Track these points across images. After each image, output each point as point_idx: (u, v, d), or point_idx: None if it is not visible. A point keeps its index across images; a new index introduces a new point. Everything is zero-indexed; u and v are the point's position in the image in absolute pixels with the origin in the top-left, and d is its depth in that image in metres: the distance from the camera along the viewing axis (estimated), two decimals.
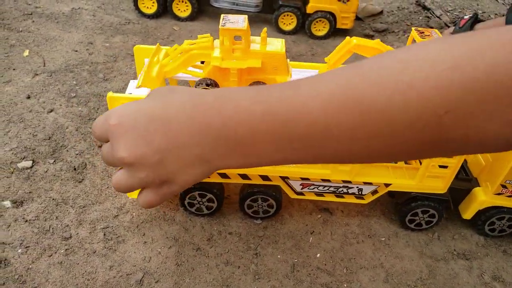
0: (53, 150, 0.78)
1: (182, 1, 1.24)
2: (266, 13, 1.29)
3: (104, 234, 0.65)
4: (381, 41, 1.31)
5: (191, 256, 0.64)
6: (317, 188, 0.66)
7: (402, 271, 0.66)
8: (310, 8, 1.24)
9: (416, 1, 1.47)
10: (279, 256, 0.66)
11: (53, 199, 0.69)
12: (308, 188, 0.66)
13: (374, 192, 0.67)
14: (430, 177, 0.62)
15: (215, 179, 0.66)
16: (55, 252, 0.61)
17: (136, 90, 0.60)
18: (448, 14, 1.42)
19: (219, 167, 0.47)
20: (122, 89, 0.95)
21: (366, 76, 0.28)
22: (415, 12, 1.42)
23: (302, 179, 0.64)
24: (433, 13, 1.40)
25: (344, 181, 0.63)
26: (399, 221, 0.72)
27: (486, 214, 0.68)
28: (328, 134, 0.34)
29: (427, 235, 0.72)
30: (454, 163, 0.61)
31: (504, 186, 0.63)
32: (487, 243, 0.72)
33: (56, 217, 0.66)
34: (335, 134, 0.33)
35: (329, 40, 1.28)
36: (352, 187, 0.66)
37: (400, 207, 0.69)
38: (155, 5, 1.25)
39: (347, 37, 0.59)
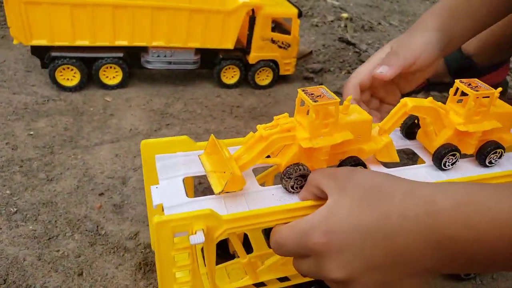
0: None
1: (111, 67, 1.07)
2: (206, 68, 1.19)
3: None
4: (321, 82, 1.30)
5: None
6: None
7: None
8: (252, 59, 1.17)
9: (339, 38, 1.50)
10: None
11: None
12: None
13: None
14: None
15: (273, 285, 0.53)
16: None
17: (184, 203, 0.45)
18: (369, 46, 1.47)
19: (449, 273, 0.36)
20: (78, 188, 0.75)
21: None
22: (342, 48, 1.45)
23: None
24: (359, 47, 1.45)
25: None
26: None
27: None
28: None
29: (471, 282, 0.67)
30: None
31: None
32: None
33: None
34: None
35: (274, 89, 1.22)
36: None
37: None
38: (78, 75, 1.05)
39: (401, 100, 0.52)
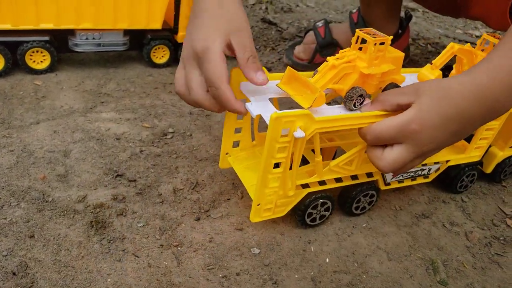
0: None
1: (37, 51, 1.07)
2: (135, 49, 1.21)
3: None
4: None
5: None
6: (402, 175, 0.76)
7: (395, 246, 0.71)
8: (180, 38, 1.21)
9: (261, 19, 1.59)
10: (296, 276, 0.63)
11: None
12: (395, 177, 0.75)
13: (437, 170, 0.79)
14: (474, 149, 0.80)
15: (331, 184, 0.69)
16: None
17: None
18: (290, 26, 1.58)
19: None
20: (18, 163, 0.76)
21: None
22: (265, 28, 1.54)
23: None
24: (280, 26, 1.54)
25: (422, 164, 0.76)
26: (449, 189, 0.85)
27: (502, 165, 0.87)
28: None
29: (391, 209, 0.79)
30: (490, 135, 0.78)
31: None
32: (430, 199, 0.83)
33: None
34: None
35: None
36: (425, 169, 0.77)
37: (453, 178, 0.83)
38: (1, 61, 1.03)
39: (450, 44, 0.70)
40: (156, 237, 0.66)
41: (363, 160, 0.68)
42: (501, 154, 0.85)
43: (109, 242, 0.64)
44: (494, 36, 0.74)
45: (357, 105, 0.62)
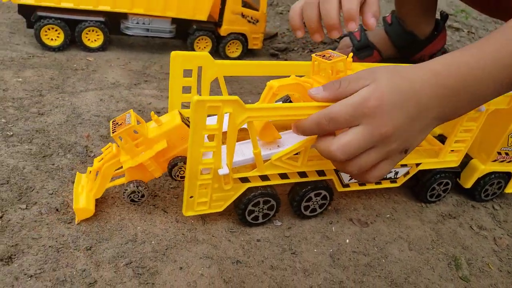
0: (18, 194, 0.62)
1: (93, 31, 1.14)
2: (180, 38, 1.28)
3: (133, 270, 0.55)
4: (286, 59, 1.41)
5: (234, 270, 0.59)
6: None
7: (417, 238, 0.71)
8: (223, 31, 1.27)
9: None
10: (315, 250, 0.65)
11: (49, 246, 0.55)
12: (354, 179, 0.69)
13: (406, 173, 0.73)
14: (450, 153, 0.73)
15: (276, 180, 0.63)
16: None
17: None
18: None
19: (443, 122, 0.54)
20: (67, 122, 0.82)
21: None
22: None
23: None
24: None
25: None
26: (419, 196, 0.79)
27: (483, 180, 0.79)
28: None
29: (416, 205, 0.79)
30: (468, 138, 0.71)
31: (499, 153, 0.75)
32: (458, 202, 0.82)
33: (66, 264, 0.53)
34: None
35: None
36: (391, 172, 0.70)
37: (424, 184, 0.76)
38: (61, 36, 1.12)
39: (267, 83, 0.61)
40: None
41: (314, 157, 0.63)
42: (482, 168, 0.76)
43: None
44: (323, 56, 0.62)
45: (138, 199, 0.62)
